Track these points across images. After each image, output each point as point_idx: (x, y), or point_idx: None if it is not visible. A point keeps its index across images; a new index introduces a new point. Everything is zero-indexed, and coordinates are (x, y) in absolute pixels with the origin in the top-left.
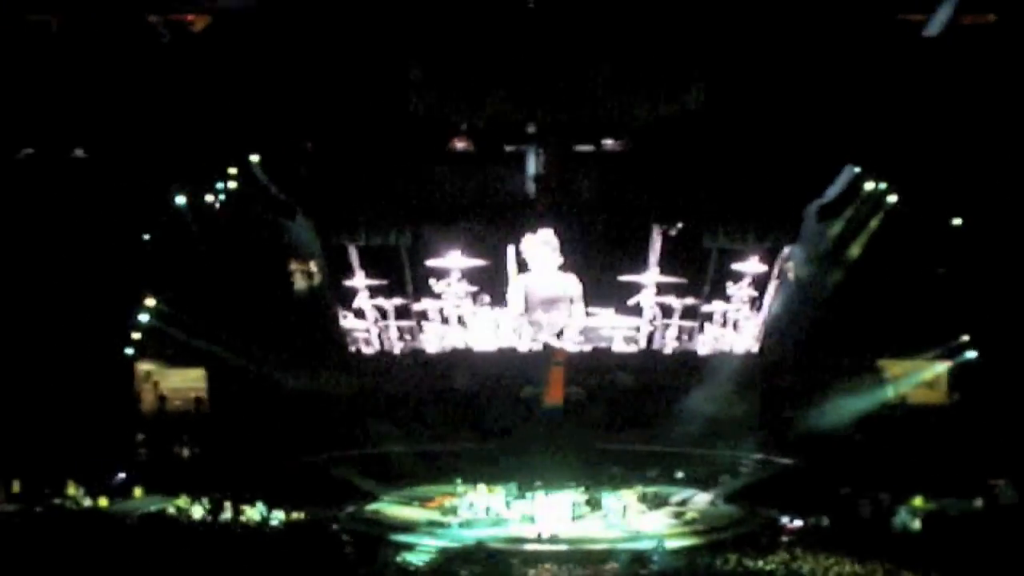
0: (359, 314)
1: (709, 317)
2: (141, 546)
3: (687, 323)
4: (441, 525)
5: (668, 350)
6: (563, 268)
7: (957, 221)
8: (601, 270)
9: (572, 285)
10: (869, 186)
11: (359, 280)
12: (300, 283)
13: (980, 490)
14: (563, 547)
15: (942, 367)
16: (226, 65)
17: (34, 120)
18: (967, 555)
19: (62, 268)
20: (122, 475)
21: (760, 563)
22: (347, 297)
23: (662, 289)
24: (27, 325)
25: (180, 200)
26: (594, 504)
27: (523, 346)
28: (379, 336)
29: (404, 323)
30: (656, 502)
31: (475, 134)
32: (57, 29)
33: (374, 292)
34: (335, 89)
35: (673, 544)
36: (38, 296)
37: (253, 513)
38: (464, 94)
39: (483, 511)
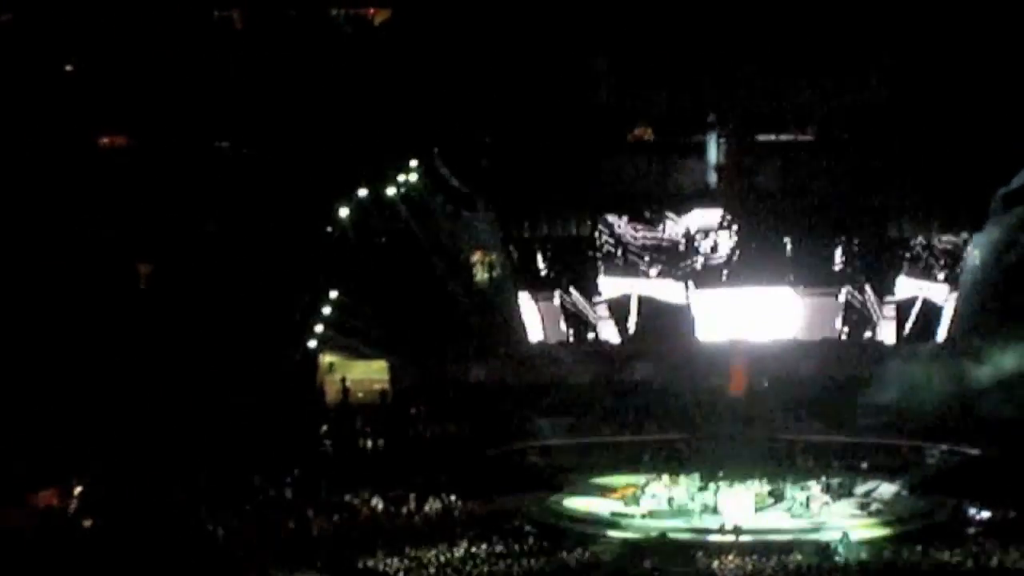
0: (544, 308)
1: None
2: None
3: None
4: (624, 516)
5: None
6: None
7: None
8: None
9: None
10: None
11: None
12: (481, 274)
13: None
14: (747, 538)
15: None
16: (407, 58)
17: (221, 114)
18: None
19: (246, 263)
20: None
21: (947, 555)
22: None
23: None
24: (214, 322)
25: (362, 193)
26: (777, 495)
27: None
28: (561, 327)
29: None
30: (840, 493)
31: (656, 123)
32: (241, 24)
33: (557, 283)
34: (516, 80)
35: (858, 535)
36: (223, 292)
37: (436, 504)
38: (646, 84)
39: (666, 502)
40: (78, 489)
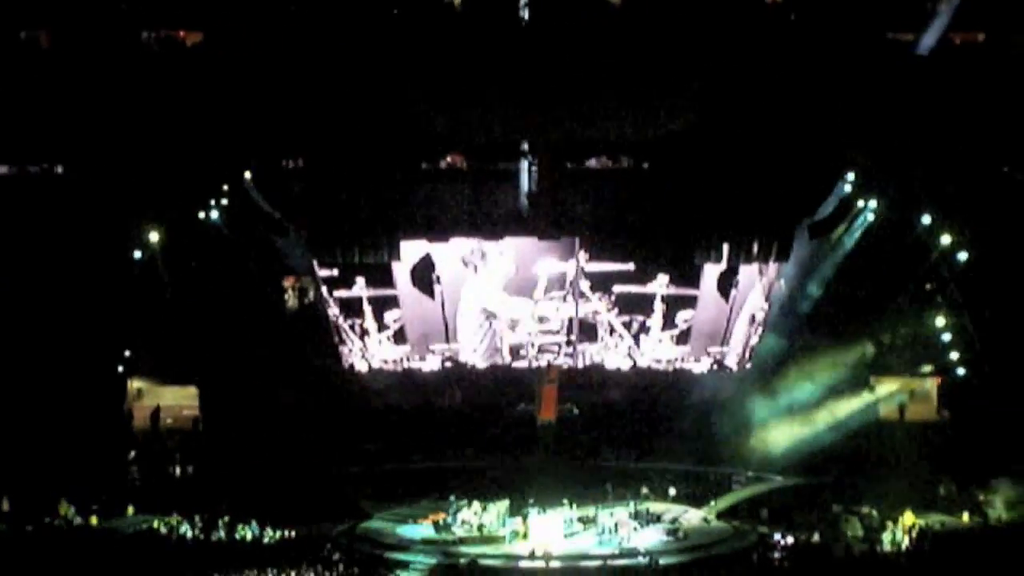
0: (359, 331)
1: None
2: (131, 564)
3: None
4: (434, 542)
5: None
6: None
7: (946, 239)
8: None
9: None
10: (860, 204)
11: (357, 290)
12: (293, 300)
13: (969, 505)
14: (556, 564)
15: (932, 384)
16: (218, 81)
17: (27, 136)
18: (954, 571)
19: (52, 286)
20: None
21: None
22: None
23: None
24: (16, 343)
25: (172, 217)
26: (587, 521)
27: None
28: (372, 352)
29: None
30: (648, 519)
31: (468, 150)
32: (48, 45)
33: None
34: (328, 105)
35: (666, 561)
36: (27, 313)
37: (246, 531)
38: (458, 111)
39: (476, 528)
40: None
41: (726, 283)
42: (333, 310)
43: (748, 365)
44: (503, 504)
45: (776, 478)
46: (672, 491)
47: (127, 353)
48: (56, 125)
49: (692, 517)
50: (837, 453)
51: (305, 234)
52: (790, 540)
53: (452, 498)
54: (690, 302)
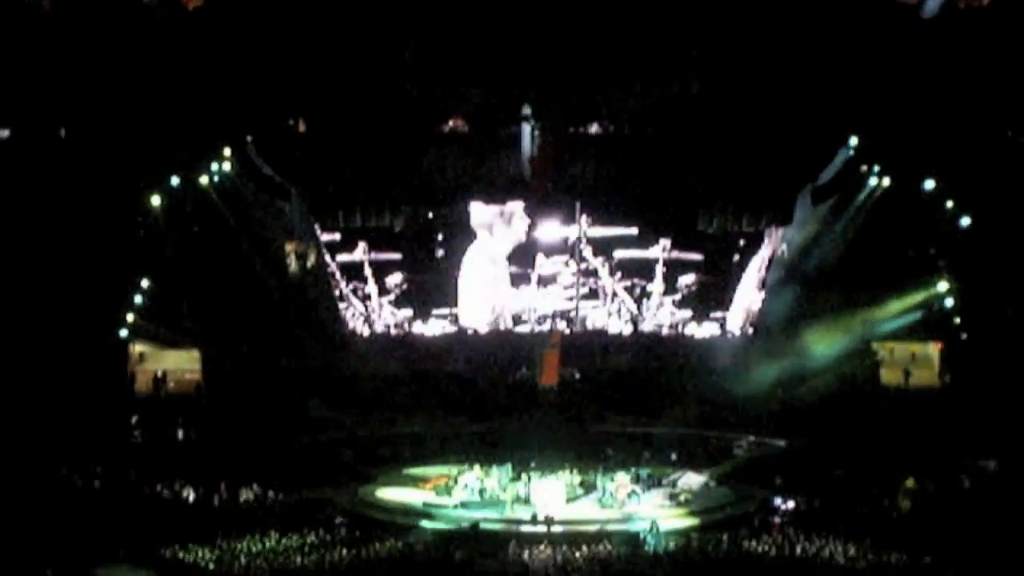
0: (360, 296)
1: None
2: (134, 526)
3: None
4: (436, 506)
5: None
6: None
7: (950, 203)
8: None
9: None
10: (863, 169)
11: (359, 254)
12: (294, 264)
13: (968, 469)
14: (558, 529)
15: (934, 349)
16: (220, 44)
17: (30, 99)
18: (954, 532)
19: (53, 250)
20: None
21: (754, 544)
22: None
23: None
24: (19, 308)
25: (174, 181)
26: (588, 486)
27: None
28: (377, 316)
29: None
30: (650, 483)
31: (469, 115)
32: (51, 8)
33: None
34: (330, 69)
35: (667, 525)
36: (30, 277)
37: (248, 495)
38: (459, 75)
39: (478, 492)
40: None
41: (728, 248)
42: (335, 274)
43: (750, 329)
44: (505, 469)
45: (778, 442)
46: (673, 455)
47: (130, 317)
48: (59, 88)
49: (693, 481)
50: (839, 417)
51: (307, 198)
52: (791, 504)
53: (454, 462)
54: (692, 266)
